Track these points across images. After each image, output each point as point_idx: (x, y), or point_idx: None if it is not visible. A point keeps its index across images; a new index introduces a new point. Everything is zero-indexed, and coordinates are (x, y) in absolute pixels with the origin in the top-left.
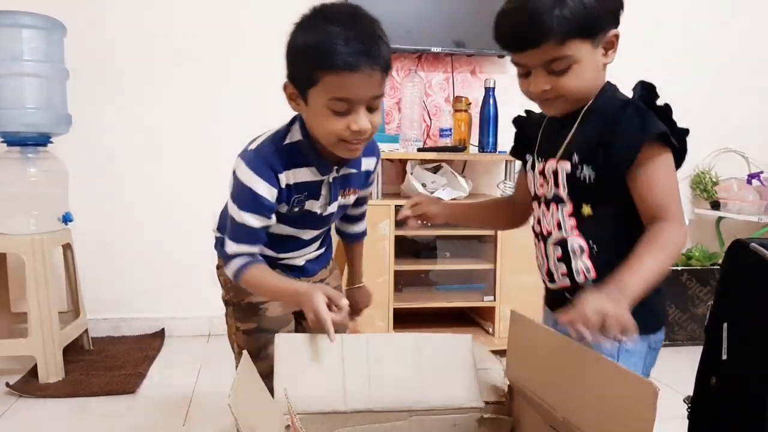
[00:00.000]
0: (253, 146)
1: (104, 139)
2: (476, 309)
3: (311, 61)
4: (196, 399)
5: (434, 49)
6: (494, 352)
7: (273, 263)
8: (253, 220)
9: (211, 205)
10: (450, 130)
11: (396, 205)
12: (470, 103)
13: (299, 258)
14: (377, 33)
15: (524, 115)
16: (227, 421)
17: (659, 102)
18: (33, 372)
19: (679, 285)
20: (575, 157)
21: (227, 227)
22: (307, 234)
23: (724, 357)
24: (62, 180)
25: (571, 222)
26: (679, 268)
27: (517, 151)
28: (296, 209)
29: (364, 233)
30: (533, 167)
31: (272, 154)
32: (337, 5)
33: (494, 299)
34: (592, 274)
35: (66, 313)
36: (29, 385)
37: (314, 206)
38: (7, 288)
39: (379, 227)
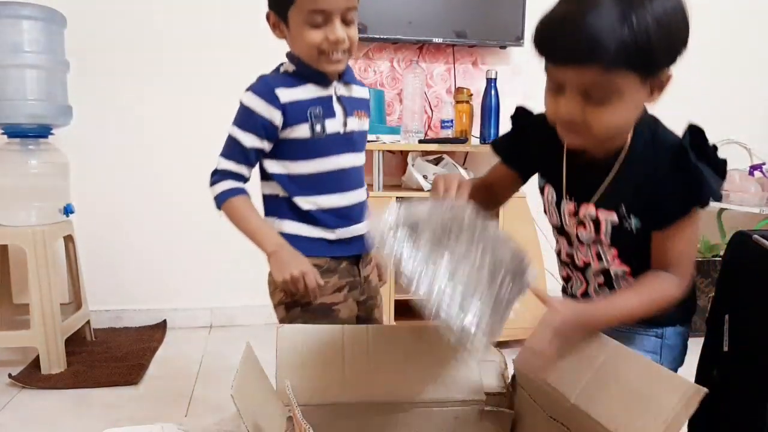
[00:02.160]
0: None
1: (105, 130)
2: None
3: None
4: (197, 390)
5: (435, 40)
6: (495, 343)
7: (331, 243)
8: (246, 138)
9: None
10: (451, 121)
11: (397, 197)
12: (472, 95)
13: (349, 199)
14: None
15: (526, 115)
16: (229, 412)
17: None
18: (35, 363)
19: None
20: (623, 209)
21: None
22: (344, 160)
23: (726, 349)
24: (63, 172)
25: (612, 252)
26: None
27: (509, 154)
28: (318, 129)
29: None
30: (558, 203)
31: (271, 77)
32: None
33: None
34: (627, 269)
35: (68, 304)
36: (31, 376)
37: (335, 125)
38: (9, 279)
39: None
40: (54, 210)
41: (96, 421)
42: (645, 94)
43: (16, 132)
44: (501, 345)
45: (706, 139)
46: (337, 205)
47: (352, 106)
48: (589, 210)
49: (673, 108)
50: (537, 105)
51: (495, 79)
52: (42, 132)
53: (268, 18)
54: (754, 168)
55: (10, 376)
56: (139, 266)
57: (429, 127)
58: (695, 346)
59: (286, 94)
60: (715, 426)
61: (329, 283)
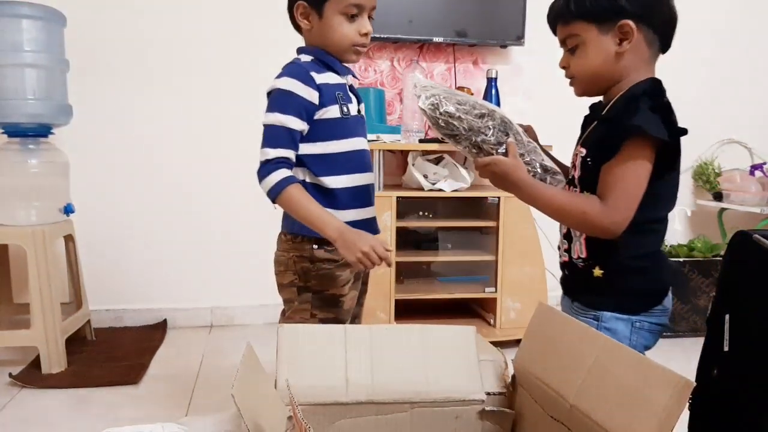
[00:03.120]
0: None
1: (105, 129)
2: (478, 300)
3: None
4: (198, 390)
5: (436, 39)
6: (495, 343)
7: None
8: (290, 121)
9: (212, 195)
10: None
11: (397, 197)
12: (472, 94)
13: (368, 179)
14: None
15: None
16: (229, 412)
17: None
18: (35, 363)
19: (681, 276)
20: (588, 144)
21: (262, 142)
22: (363, 142)
23: (726, 349)
24: (63, 171)
25: (578, 191)
26: (681, 259)
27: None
28: (345, 110)
29: None
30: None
31: (303, 64)
32: None
33: (496, 291)
34: (584, 254)
35: (68, 304)
36: (32, 375)
37: (353, 109)
38: (9, 279)
39: (380, 219)
40: (54, 209)
41: (96, 421)
42: (610, 42)
43: (16, 131)
44: (502, 345)
45: (660, 92)
46: (360, 183)
47: (357, 99)
48: (577, 150)
49: (674, 108)
50: (537, 104)
51: (495, 78)
52: (42, 131)
53: (296, 9)
54: (754, 168)
55: (10, 375)
56: (139, 266)
57: (429, 126)
58: (695, 346)
59: (318, 77)
60: (716, 425)
61: (341, 276)
